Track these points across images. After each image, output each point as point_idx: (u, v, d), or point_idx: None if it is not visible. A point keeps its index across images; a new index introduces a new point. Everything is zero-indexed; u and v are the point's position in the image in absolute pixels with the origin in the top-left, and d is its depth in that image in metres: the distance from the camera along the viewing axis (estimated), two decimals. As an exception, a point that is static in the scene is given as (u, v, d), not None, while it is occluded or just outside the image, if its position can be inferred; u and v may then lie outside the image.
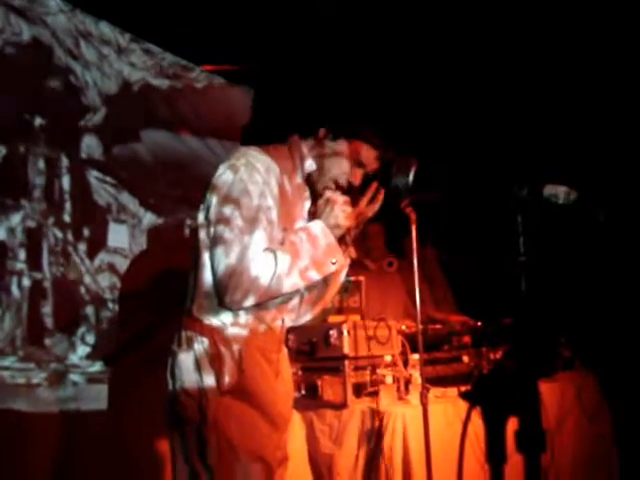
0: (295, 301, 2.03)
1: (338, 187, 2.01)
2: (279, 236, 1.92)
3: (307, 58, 3.96)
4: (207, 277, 1.90)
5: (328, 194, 1.98)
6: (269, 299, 1.88)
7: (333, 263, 1.93)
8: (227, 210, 1.85)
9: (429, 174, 2.07)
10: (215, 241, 1.84)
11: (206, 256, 1.91)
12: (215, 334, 1.89)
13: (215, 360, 1.86)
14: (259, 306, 1.90)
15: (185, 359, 1.88)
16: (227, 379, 1.85)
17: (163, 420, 1.96)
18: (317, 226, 1.92)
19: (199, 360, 1.86)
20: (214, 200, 1.89)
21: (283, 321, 2.03)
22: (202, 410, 1.83)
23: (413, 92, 4.20)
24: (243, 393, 1.87)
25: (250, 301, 1.82)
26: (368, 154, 2.03)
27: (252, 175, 1.87)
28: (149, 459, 2.98)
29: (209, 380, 1.84)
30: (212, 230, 1.86)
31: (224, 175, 1.90)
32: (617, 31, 3.81)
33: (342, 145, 2.02)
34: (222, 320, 1.90)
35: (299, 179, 2.04)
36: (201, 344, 1.88)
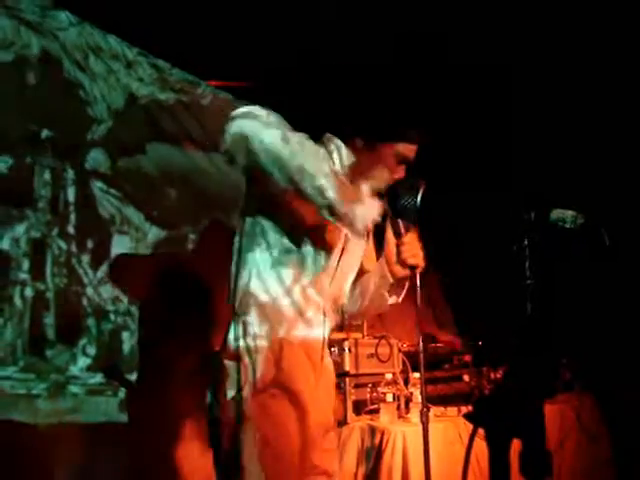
0: (311, 313, 1.96)
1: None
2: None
3: (314, 74, 4.01)
4: (245, 276, 1.90)
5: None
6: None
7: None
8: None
9: (436, 197, 2.07)
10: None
11: (244, 256, 1.91)
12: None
13: (252, 356, 1.83)
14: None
15: (228, 361, 1.87)
16: (263, 375, 1.82)
17: (182, 433, 1.94)
18: None
19: (239, 357, 1.84)
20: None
21: (324, 324, 1.98)
22: (239, 408, 1.80)
23: (420, 118, 4.23)
24: (281, 391, 1.82)
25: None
26: (406, 149, 2.02)
27: None
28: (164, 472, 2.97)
29: (246, 377, 1.82)
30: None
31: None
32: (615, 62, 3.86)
33: (382, 151, 2.00)
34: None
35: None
36: (241, 341, 1.86)
